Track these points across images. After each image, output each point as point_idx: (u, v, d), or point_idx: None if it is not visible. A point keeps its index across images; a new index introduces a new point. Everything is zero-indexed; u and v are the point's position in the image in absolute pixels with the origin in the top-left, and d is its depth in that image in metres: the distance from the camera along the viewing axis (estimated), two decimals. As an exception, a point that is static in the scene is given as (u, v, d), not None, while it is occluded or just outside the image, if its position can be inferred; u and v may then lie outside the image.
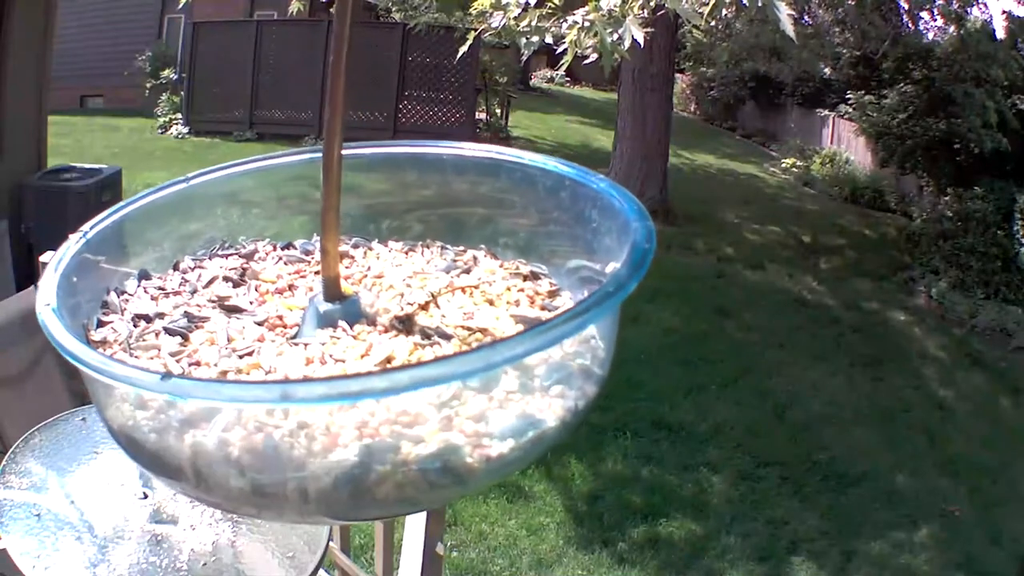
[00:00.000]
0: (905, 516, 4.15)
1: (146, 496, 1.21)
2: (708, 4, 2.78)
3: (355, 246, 0.71)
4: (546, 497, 3.81)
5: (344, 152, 0.55)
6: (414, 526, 1.55)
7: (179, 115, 11.20)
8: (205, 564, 1.13)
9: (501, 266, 0.68)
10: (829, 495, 4.22)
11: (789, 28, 2.50)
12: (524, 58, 4.08)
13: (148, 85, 11.74)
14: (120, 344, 0.57)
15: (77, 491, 1.21)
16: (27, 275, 4.11)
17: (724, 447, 4.50)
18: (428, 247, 0.72)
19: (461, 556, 3.35)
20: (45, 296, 0.54)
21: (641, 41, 2.74)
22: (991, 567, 3.92)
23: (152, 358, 0.54)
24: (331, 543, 1.51)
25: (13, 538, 1.09)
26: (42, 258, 2.27)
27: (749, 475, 4.27)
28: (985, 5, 9.07)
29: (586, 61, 3.07)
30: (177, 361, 0.53)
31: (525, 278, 0.65)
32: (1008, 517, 4.34)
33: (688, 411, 4.83)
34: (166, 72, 11.69)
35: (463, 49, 3.78)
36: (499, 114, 12.17)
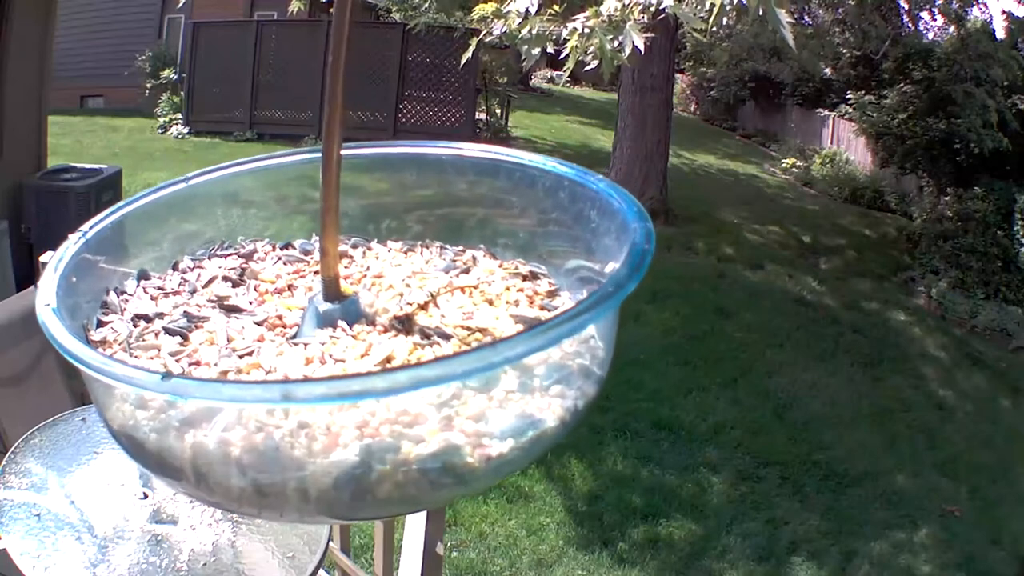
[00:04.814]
0: (905, 516, 4.15)
1: (146, 496, 1.21)
2: (710, 8, 2.78)
3: (354, 246, 0.71)
4: (546, 497, 3.81)
5: (343, 152, 0.55)
6: (414, 526, 1.55)
7: (179, 115, 11.20)
8: (205, 564, 1.13)
9: (500, 266, 0.67)
10: (829, 495, 4.22)
11: (789, 36, 2.49)
12: (526, 66, 4.13)
13: (148, 85, 11.74)
14: (120, 344, 0.57)
15: (77, 491, 1.21)
16: (27, 275, 4.11)
17: (724, 447, 4.50)
18: (427, 247, 0.72)
19: (461, 556, 3.35)
20: (45, 296, 0.54)
21: (641, 47, 2.74)
22: (991, 567, 3.92)
23: (152, 358, 0.54)
24: (331, 543, 1.51)
25: (13, 538, 1.09)
26: (42, 258, 2.27)
27: (749, 475, 4.27)
28: (985, 5, 9.09)
29: (587, 67, 3.07)
30: (177, 361, 0.53)
31: (524, 278, 0.65)
32: (1008, 517, 4.34)
33: (688, 411, 4.83)
34: (166, 72, 11.69)
35: (466, 56, 3.78)
36: (499, 114, 12.16)
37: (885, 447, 4.85)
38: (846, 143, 11.90)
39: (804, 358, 5.85)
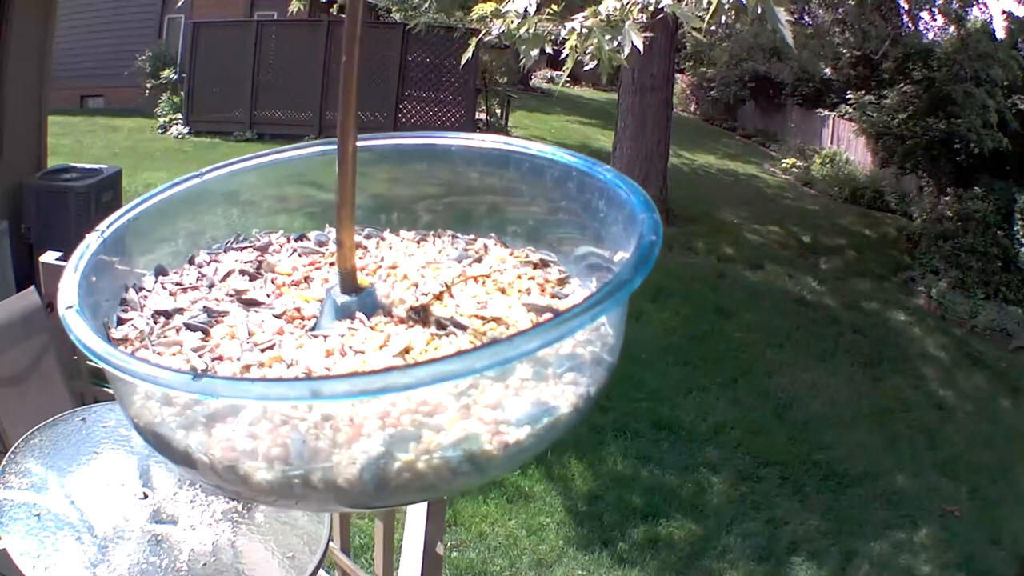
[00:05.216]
0: (905, 516, 4.15)
1: (146, 496, 1.21)
2: (708, 6, 2.78)
3: (368, 236, 0.72)
4: (546, 497, 3.81)
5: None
6: (414, 526, 1.55)
7: (179, 115, 11.20)
8: (205, 564, 1.13)
9: (511, 254, 0.68)
10: (829, 495, 4.22)
11: (788, 36, 2.49)
12: (526, 66, 4.18)
13: (148, 85, 11.74)
14: (142, 341, 0.57)
15: (77, 491, 1.21)
16: (27, 275, 4.10)
17: (724, 447, 4.50)
18: (439, 236, 0.72)
19: (461, 556, 3.35)
20: (67, 298, 0.55)
21: (640, 47, 2.74)
22: (991, 567, 3.93)
23: (175, 354, 0.55)
24: (331, 543, 1.51)
25: (13, 538, 1.09)
26: (42, 258, 2.27)
27: (749, 475, 4.27)
28: (985, 5, 9.10)
29: (587, 67, 3.07)
30: (200, 356, 0.54)
31: (535, 266, 0.66)
32: (1008, 517, 4.34)
33: (688, 411, 4.83)
34: (166, 72, 11.69)
35: (466, 56, 3.78)
36: (499, 114, 12.16)
37: (885, 447, 4.85)
38: (846, 143, 11.90)
39: (804, 358, 5.85)
